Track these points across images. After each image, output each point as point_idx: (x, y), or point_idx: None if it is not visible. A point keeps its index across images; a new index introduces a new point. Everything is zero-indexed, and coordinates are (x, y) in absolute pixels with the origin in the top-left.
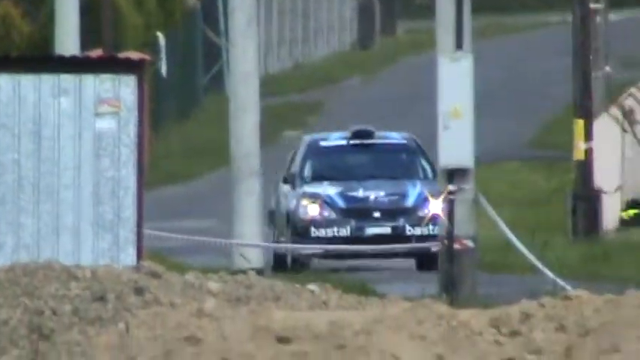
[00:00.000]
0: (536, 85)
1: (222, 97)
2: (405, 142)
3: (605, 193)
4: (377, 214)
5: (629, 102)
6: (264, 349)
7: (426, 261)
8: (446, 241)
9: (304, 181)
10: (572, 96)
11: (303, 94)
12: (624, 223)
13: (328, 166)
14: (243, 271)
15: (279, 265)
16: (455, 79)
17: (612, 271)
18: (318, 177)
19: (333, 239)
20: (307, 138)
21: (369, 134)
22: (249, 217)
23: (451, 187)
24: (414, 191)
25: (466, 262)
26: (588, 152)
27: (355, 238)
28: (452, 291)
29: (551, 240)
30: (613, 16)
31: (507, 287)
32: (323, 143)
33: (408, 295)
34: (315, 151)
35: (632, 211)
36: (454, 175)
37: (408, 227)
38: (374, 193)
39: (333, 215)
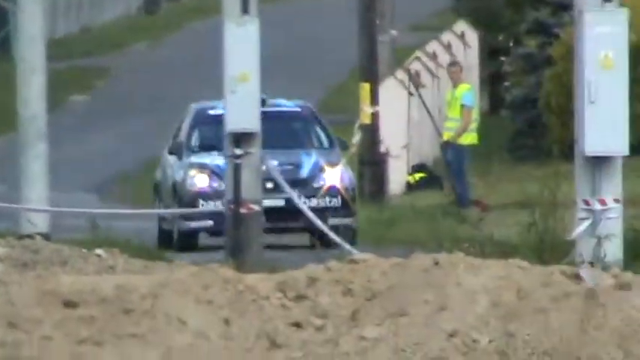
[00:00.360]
0: (323, 49)
1: (10, 62)
2: (299, 110)
3: (392, 156)
4: (269, 186)
5: (415, 65)
6: (52, 314)
7: (322, 237)
8: (232, 206)
9: (191, 151)
10: (358, 60)
11: (91, 59)
12: (410, 188)
13: (217, 135)
14: (30, 236)
15: (164, 240)
16: (241, 44)
17: (398, 235)
18: (206, 147)
19: (223, 212)
20: (194, 106)
21: (260, 102)
22: (36, 181)
23: (237, 151)
24: (309, 161)
25: (253, 227)
26: (374, 116)
27: None
28: (238, 255)
29: None
30: None
31: (294, 251)
32: (211, 112)
33: (195, 260)
34: (202, 119)
35: (417, 175)
36: (240, 139)
37: (303, 199)
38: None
39: (223, 187)
